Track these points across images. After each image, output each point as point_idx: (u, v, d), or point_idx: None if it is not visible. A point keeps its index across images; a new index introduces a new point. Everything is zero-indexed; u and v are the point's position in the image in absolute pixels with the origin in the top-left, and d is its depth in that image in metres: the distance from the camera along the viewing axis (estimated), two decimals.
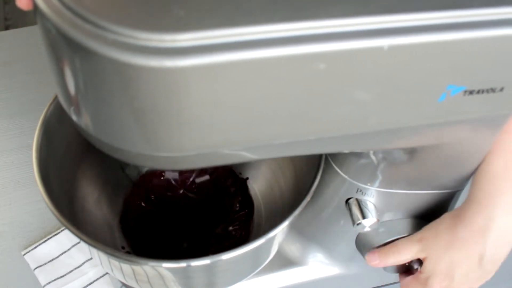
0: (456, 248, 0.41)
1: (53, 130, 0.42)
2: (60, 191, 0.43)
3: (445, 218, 0.42)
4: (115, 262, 0.39)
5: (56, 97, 0.42)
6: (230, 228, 0.54)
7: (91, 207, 0.51)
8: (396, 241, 0.45)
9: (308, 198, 0.40)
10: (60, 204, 0.41)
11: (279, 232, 0.39)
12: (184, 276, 0.40)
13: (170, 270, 0.38)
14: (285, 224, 0.39)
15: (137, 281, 0.42)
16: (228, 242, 0.53)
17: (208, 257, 0.36)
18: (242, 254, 0.37)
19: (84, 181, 0.50)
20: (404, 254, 0.44)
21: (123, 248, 0.52)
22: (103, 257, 0.40)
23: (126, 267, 0.39)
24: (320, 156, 0.43)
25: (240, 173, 0.58)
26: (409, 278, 0.46)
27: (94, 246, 0.37)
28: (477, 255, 0.41)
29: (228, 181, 0.57)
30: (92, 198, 0.51)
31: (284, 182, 0.53)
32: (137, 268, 0.38)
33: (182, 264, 0.37)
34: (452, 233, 0.41)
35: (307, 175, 0.44)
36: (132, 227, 0.53)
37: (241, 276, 0.45)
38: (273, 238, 0.39)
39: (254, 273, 0.45)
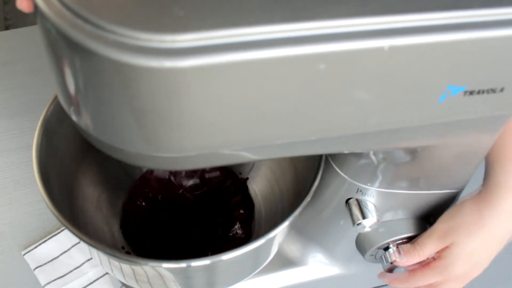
0: (482, 232, 0.41)
1: (53, 130, 0.42)
2: (60, 191, 0.43)
3: (465, 204, 0.42)
4: (115, 262, 0.39)
5: (56, 97, 0.42)
6: (231, 229, 0.54)
7: (91, 207, 0.51)
8: (416, 239, 0.45)
9: (308, 198, 0.40)
10: (60, 204, 0.41)
11: (279, 232, 0.39)
12: (184, 276, 0.40)
13: (170, 270, 0.38)
14: (285, 225, 0.39)
15: (137, 281, 0.42)
16: (229, 243, 0.53)
17: (208, 257, 0.36)
18: (242, 254, 0.37)
19: (84, 181, 0.50)
20: (429, 248, 0.44)
21: (123, 248, 0.52)
22: (103, 257, 0.40)
23: (126, 267, 0.39)
24: (320, 157, 0.43)
25: (240, 173, 0.58)
26: (420, 269, 0.45)
27: (94, 246, 0.37)
28: (500, 239, 0.41)
29: (228, 181, 0.57)
30: (92, 198, 0.51)
31: (284, 182, 0.53)
32: (137, 268, 0.38)
33: (182, 264, 0.37)
34: (478, 217, 0.41)
35: (307, 175, 0.44)
36: (132, 229, 0.53)
37: (241, 276, 0.45)
38: (273, 238, 0.39)
39: (254, 273, 0.45)
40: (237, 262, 0.40)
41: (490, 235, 0.41)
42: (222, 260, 0.37)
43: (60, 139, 0.44)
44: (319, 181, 0.42)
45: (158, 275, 0.39)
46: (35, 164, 0.40)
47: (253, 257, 0.42)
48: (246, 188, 0.57)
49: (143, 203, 0.55)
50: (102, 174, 0.52)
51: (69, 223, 0.38)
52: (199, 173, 0.57)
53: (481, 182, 0.70)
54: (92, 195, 0.51)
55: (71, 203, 0.47)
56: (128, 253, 0.52)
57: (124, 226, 0.53)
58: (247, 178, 0.57)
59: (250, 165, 0.57)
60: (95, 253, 0.40)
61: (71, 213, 0.45)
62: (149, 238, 0.53)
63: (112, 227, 0.53)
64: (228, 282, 0.45)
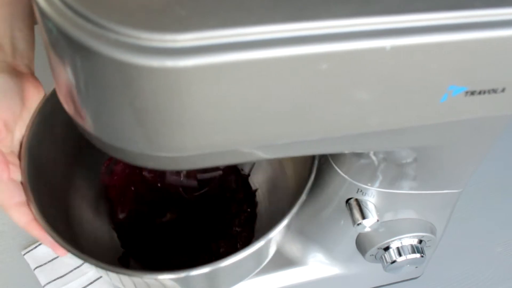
0: None
1: (42, 136, 0.41)
2: (52, 200, 0.42)
3: None
4: (113, 274, 0.39)
5: (42, 101, 0.41)
6: (233, 227, 0.54)
7: (88, 212, 0.50)
8: None
9: (303, 197, 0.40)
10: (54, 214, 0.40)
11: (277, 233, 0.39)
12: (183, 284, 0.40)
13: (169, 280, 0.38)
14: (282, 225, 0.38)
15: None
16: (232, 240, 0.53)
17: (207, 265, 0.36)
18: (241, 259, 0.37)
19: (80, 188, 0.49)
20: None
21: (122, 247, 0.52)
22: (101, 270, 0.39)
23: (125, 278, 0.39)
24: (313, 156, 0.42)
25: (242, 170, 0.57)
26: None
27: (89, 262, 0.36)
28: None
29: (231, 177, 0.57)
30: (89, 204, 0.51)
31: (284, 180, 0.53)
32: (137, 279, 0.38)
33: (181, 274, 0.36)
34: None
35: (307, 174, 0.44)
36: (129, 233, 0.53)
37: (240, 278, 0.45)
38: (271, 239, 0.39)
39: (253, 274, 0.45)
40: (236, 267, 0.40)
41: None
42: (221, 268, 0.36)
43: (50, 143, 0.43)
44: (320, 181, 0.42)
45: (158, 284, 0.39)
46: (24, 171, 0.38)
47: (252, 259, 0.42)
48: (248, 185, 0.56)
49: (141, 204, 0.55)
50: (97, 178, 0.52)
51: (64, 240, 0.37)
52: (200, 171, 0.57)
53: (481, 182, 0.70)
54: (88, 200, 0.51)
55: (67, 214, 0.46)
56: (126, 255, 0.51)
57: (120, 229, 0.53)
58: (249, 175, 0.57)
59: (251, 163, 0.57)
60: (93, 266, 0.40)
61: (67, 224, 0.44)
62: (147, 239, 0.53)
63: (110, 231, 0.53)
64: (227, 285, 0.45)
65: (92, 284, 0.58)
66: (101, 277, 0.59)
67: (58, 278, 0.58)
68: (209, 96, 0.24)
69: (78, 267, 0.59)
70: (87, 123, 0.27)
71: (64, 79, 0.26)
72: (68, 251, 0.37)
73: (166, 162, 0.28)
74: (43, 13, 0.23)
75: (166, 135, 0.26)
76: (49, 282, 0.58)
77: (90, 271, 0.59)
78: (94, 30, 0.22)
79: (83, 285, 0.58)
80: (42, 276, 0.59)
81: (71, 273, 0.59)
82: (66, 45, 0.24)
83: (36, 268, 0.59)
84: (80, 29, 0.22)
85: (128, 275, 0.37)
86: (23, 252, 0.60)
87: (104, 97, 0.25)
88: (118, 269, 0.36)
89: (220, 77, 0.23)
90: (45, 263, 0.59)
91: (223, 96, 0.24)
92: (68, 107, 0.29)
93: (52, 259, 0.60)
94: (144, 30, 0.22)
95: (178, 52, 0.22)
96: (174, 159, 0.27)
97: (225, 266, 0.36)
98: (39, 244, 0.61)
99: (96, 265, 0.36)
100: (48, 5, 0.23)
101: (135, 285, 0.40)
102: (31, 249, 0.60)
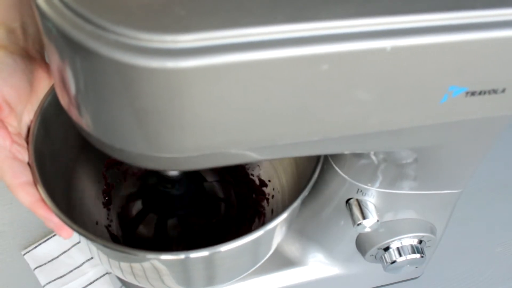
0: None
1: (50, 121, 0.42)
2: (57, 184, 0.42)
3: None
4: (113, 260, 0.39)
5: (52, 88, 0.41)
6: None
7: (90, 199, 0.50)
8: None
9: (305, 192, 0.40)
10: (57, 197, 0.40)
11: (278, 224, 0.39)
12: (182, 269, 0.39)
13: (167, 262, 0.38)
14: (283, 217, 0.38)
15: (134, 276, 0.42)
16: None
17: (207, 248, 0.36)
18: (241, 246, 0.37)
19: (83, 173, 0.50)
20: None
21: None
22: (102, 255, 0.39)
23: (124, 261, 0.39)
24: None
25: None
26: None
27: (91, 239, 0.36)
28: None
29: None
30: (91, 190, 0.51)
31: (285, 178, 0.53)
32: (135, 261, 0.38)
33: (181, 256, 0.36)
34: None
35: (308, 172, 0.44)
36: (131, 223, 0.53)
37: (238, 271, 0.44)
38: (272, 230, 0.39)
39: (253, 269, 0.45)
40: (235, 255, 0.40)
41: None
42: (220, 252, 0.36)
43: (57, 130, 0.43)
44: (320, 181, 0.42)
45: (156, 268, 0.39)
46: (31, 153, 0.39)
47: (250, 250, 0.42)
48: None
49: (143, 195, 0.55)
50: (101, 166, 0.52)
51: (62, 212, 0.37)
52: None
53: (481, 182, 0.70)
54: (91, 187, 0.51)
55: (69, 197, 0.46)
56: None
57: (123, 219, 0.53)
58: (248, 168, 0.57)
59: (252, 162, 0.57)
60: (94, 249, 0.40)
61: (68, 208, 0.44)
62: (149, 229, 0.53)
63: (112, 219, 0.53)
64: (227, 277, 0.44)
65: (92, 284, 0.58)
66: (101, 277, 0.59)
67: (58, 278, 0.58)
68: (210, 97, 0.24)
69: (78, 267, 0.59)
70: (87, 124, 0.27)
71: (63, 79, 0.26)
72: (75, 230, 0.36)
73: (166, 162, 0.28)
74: (42, 14, 0.23)
75: (166, 136, 0.26)
76: (49, 282, 0.58)
77: (90, 271, 0.59)
78: (94, 31, 0.22)
79: (83, 285, 0.58)
80: (42, 276, 0.59)
81: (71, 273, 0.59)
82: (65, 46, 0.23)
83: (36, 268, 0.59)
84: (79, 30, 0.22)
85: (127, 253, 0.36)
86: (23, 252, 0.60)
87: (103, 98, 0.25)
88: (118, 247, 0.36)
89: (220, 78, 0.23)
90: (45, 263, 0.59)
91: (224, 97, 0.24)
92: (66, 107, 0.28)
93: (52, 259, 0.60)
94: (144, 31, 0.22)
95: (179, 53, 0.22)
96: (174, 160, 0.27)
97: (224, 252, 0.36)
98: (39, 244, 0.61)
99: (104, 245, 0.36)
100: (48, 5, 0.23)
101: (131, 268, 0.40)
102: (31, 249, 0.60)
